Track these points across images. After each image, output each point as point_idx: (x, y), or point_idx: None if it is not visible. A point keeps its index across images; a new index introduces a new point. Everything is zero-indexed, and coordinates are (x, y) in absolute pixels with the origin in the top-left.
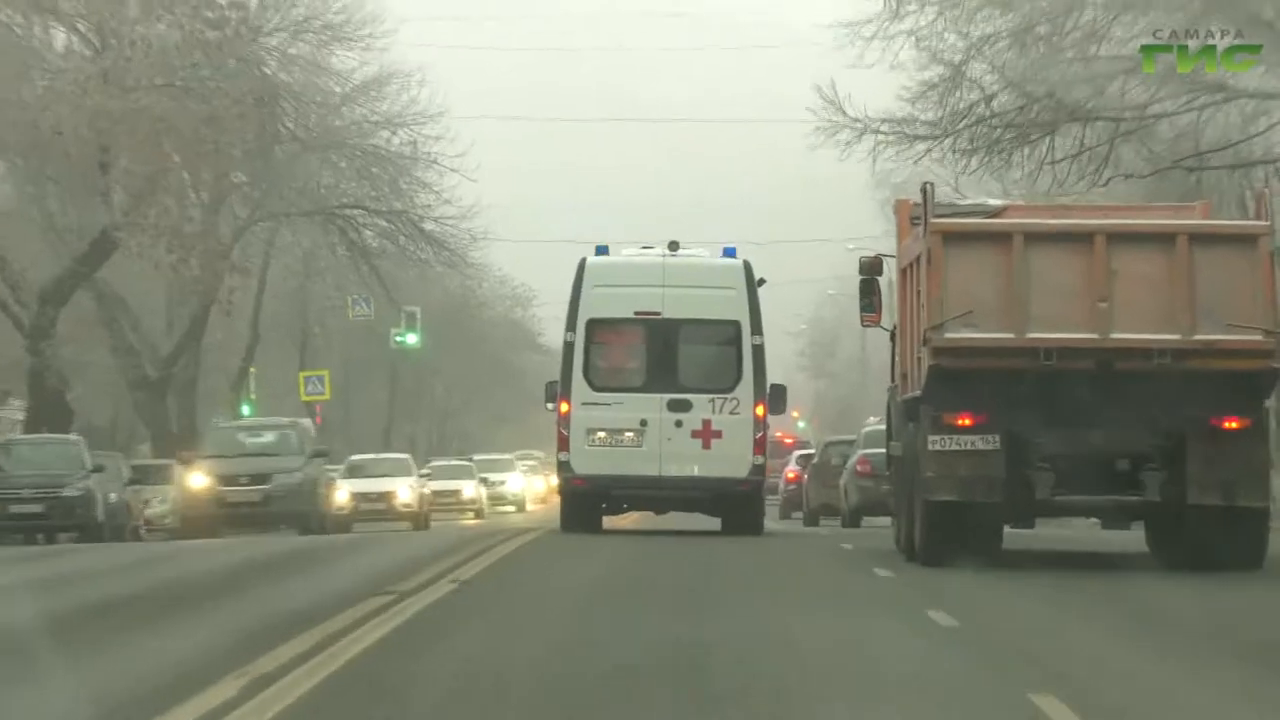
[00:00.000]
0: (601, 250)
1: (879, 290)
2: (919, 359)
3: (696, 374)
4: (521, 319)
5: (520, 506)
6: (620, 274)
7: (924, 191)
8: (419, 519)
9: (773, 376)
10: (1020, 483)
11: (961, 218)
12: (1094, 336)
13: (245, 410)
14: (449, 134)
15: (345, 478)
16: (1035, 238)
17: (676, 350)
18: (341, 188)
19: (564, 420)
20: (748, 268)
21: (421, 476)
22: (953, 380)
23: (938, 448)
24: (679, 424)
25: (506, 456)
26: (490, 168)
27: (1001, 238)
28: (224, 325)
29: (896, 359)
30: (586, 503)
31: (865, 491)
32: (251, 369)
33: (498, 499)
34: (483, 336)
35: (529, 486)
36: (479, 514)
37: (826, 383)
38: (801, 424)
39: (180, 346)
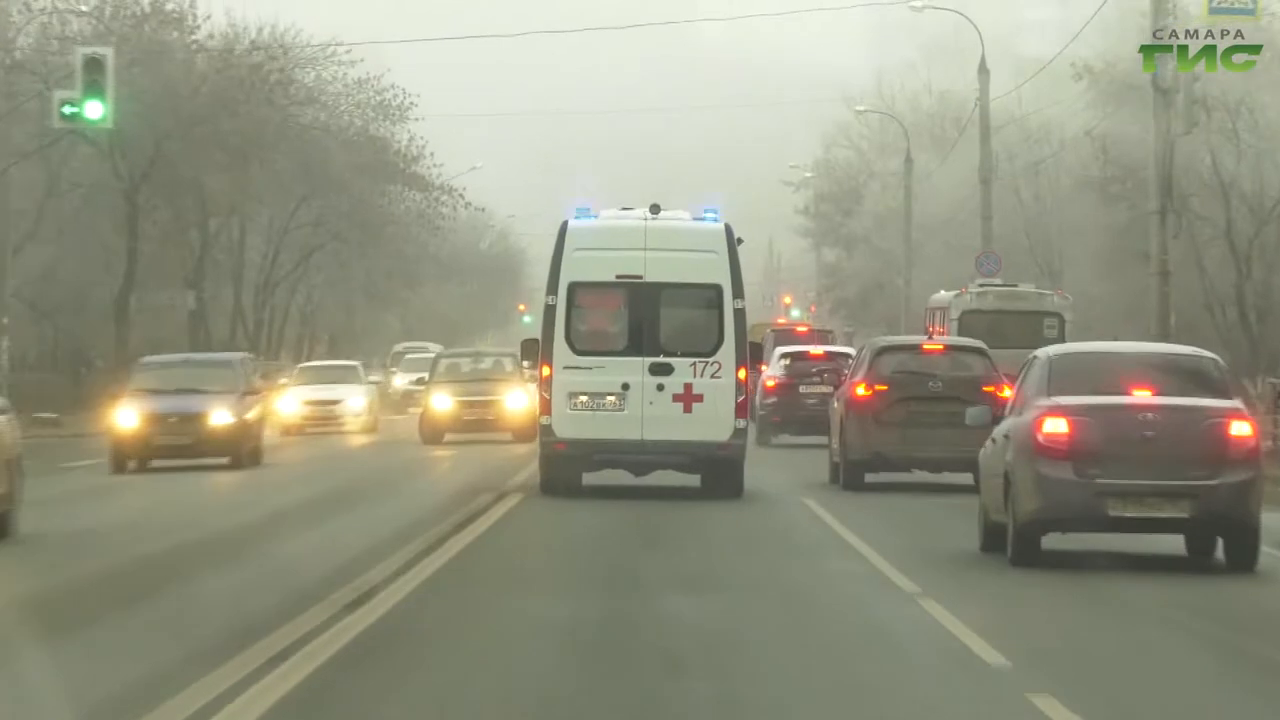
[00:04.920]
0: (583, 213)
1: None
2: None
3: (678, 338)
4: (402, 143)
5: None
6: (602, 237)
7: None
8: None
9: (760, 241)
10: None
11: None
12: None
13: None
14: None
15: None
16: None
17: (658, 314)
18: None
19: (545, 384)
20: (729, 231)
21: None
22: None
23: None
24: (660, 388)
25: None
26: None
27: None
28: None
29: None
30: (568, 466)
31: (1063, 491)
32: None
33: None
34: (321, 159)
35: None
36: None
37: (840, 253)
38: (795, 313)
39: None
